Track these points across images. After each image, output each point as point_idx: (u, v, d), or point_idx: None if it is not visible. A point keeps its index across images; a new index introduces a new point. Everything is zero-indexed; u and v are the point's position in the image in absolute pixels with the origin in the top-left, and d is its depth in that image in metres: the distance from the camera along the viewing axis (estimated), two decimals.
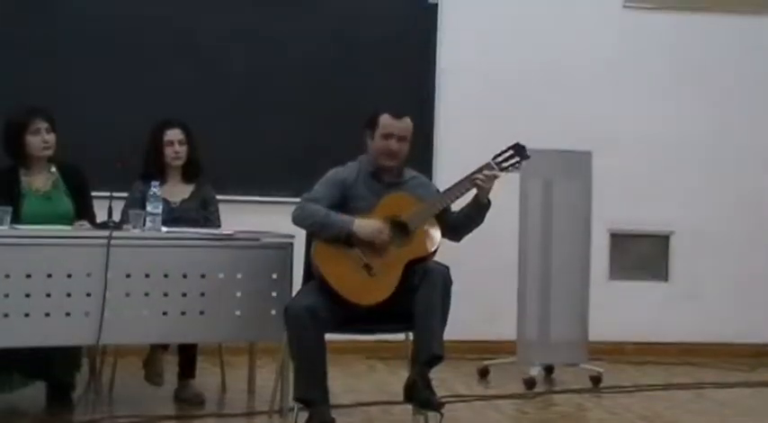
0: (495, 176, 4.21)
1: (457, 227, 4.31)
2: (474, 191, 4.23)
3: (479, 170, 4.22)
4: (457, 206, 4.33)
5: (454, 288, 4.10)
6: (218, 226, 4.93)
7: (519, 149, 4.28)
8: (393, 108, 4.33)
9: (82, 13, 6.00)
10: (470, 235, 4.37)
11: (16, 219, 4.35)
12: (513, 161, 4.27)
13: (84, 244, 4.23)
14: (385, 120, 4.29)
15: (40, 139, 4.53)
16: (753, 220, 6.74)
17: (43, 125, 4.54)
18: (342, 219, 4.13)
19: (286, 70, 6.23)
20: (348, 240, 4.13)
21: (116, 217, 4.50)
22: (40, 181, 4.59)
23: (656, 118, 6.65)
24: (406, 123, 4.31)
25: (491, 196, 4.26)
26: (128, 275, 4.26)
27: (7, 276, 4.08)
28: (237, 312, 4.43)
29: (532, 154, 4.39)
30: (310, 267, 4.25)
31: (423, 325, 4.02)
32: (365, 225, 4.11)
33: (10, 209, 4.23)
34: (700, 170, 6.71)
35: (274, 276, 4.47)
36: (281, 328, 4.18)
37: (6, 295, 4.08)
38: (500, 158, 4.26)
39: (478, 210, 4.26)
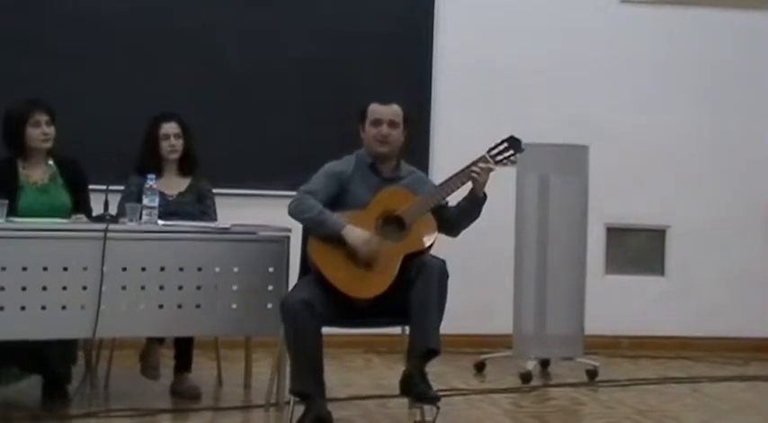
0: (491, 169, 4.22)
1: (454, 222, 4.31)
2: (470, 185, 4.24)
3: (474, 163, 4.23)
4: (453, 201, 4.33)
5: (450, 282, 4.11)
6: (215, 219, 4.92)
7: (513, 142, 4.29)
8: (379, 97, 4.36)
9: (80, 8, 5.98)
10: (467, 229, 4.37)
11: (13, 211, 4.34)
12: (507, 154, 4.28)
13: (81, 237, 4.22)
14: (372, 108, 4.33)
15: (40, 132, 4.53)
16: (748, 214, 6.74)
17: (43, 117, 4.53)
18: (334, 221, 4.13)
19: (283, 64, 6.22)
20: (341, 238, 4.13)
21: (112, 210, 4.49)
22: (37, 173, 4.59)
23: (652, 112, 6.66)
24: (394, 108, 4.33)
25: (487, 190, 4.27)
26: (124, 269, 4.25)
27: (3, 269, 4.08)
28: (234, 306, 4.42)
29: (529, 148, 4.40)
30: (306, 261, 4.25)
31: (419, 319, 4.02)
32: (354, 233, 4.10)
33: (6, 202, 4.22)
34: (696, 164, 6.71)
35: (271, 270, 4.46)
36: (277, 321, 4.18)
37: (2, 288, 4.07)
38: (495, 151, 4.27)
39: (475, 203, 4.27)
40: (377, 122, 4.30)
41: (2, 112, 4.59)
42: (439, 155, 6.26)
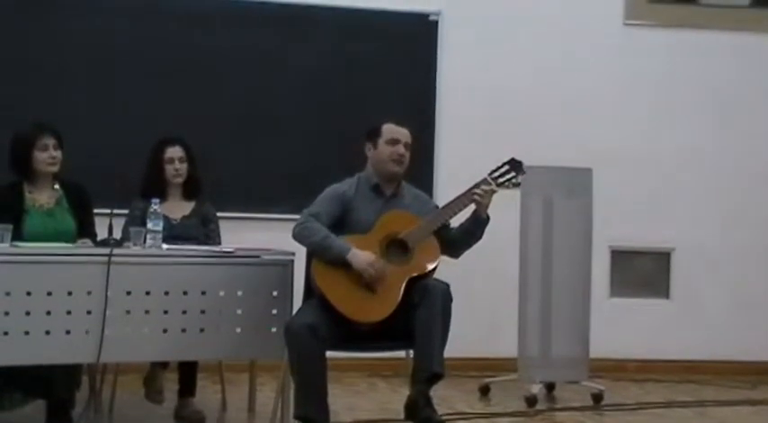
0: (493, 191, 4.24)
1: (455, 243, 4.32)
2: (472, 206, 4.24)
3: (476, 186, 4.24)
4: (455, 222, 4.34)
5: (455, 305, 4.10)
6: (219, 243, 4.93)
7: (515, 165, 4.30)
8: (394, 118, 4.39)
9: (83, 32, 6.01)
10: (471, 251, 4.37)
11: (19, 235, 4.35)
12: (509, 176, 4.29)
13: (85, 261, 4.21)
14: (389, 127, 4.35)
15: (48, 155, 4.54)
16: (754, 237, 6.73)
17: (51, 141, 4.55)
18: (339, 245, 4.13)
19: (286, 87, 6.25)
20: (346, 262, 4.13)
21: (117, 234, 4.50)
22: (44, 197, 4.60)
23: (656, 135, 6.66)
24: (407, 132, 4.37)
25: (490, 213, 4.28)
26: (128, 293, 4.24)
27: (7, 294, 4.07)
28: (238, 330, 4.41)
29: (533, 171, 4.41)
30: (310, 284, 4.25)
31: (423, 343, 4.01)
32: (359, 257, 4.10)
33: (10, 227, 4.22)
34: (701, 187, 6.71)
35: (275, 294, 4.46)
36: (281, 345, 4.17)
37: (6, 313, 4.06)
38: (496, 174, 4.29)
39: (477, 225, 4.27)
40: (394, 141, 4.32)
41: (8, 137, 4.61)
42: (442, 178, 6.27)
